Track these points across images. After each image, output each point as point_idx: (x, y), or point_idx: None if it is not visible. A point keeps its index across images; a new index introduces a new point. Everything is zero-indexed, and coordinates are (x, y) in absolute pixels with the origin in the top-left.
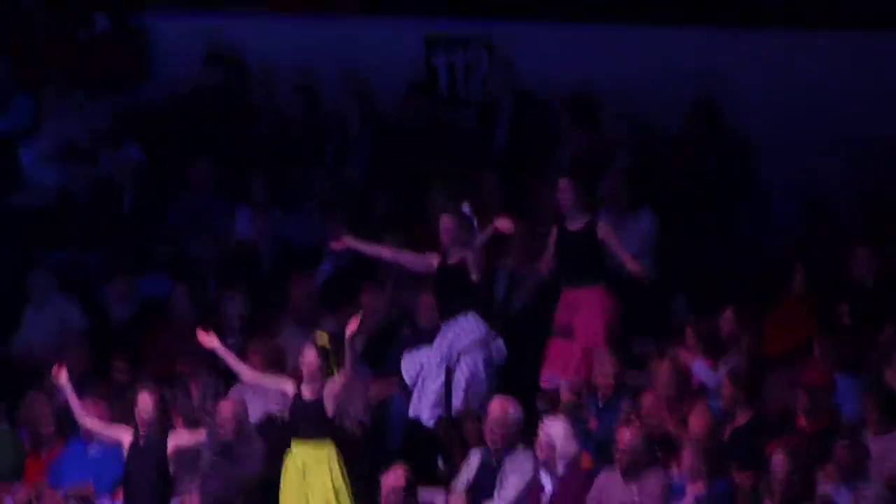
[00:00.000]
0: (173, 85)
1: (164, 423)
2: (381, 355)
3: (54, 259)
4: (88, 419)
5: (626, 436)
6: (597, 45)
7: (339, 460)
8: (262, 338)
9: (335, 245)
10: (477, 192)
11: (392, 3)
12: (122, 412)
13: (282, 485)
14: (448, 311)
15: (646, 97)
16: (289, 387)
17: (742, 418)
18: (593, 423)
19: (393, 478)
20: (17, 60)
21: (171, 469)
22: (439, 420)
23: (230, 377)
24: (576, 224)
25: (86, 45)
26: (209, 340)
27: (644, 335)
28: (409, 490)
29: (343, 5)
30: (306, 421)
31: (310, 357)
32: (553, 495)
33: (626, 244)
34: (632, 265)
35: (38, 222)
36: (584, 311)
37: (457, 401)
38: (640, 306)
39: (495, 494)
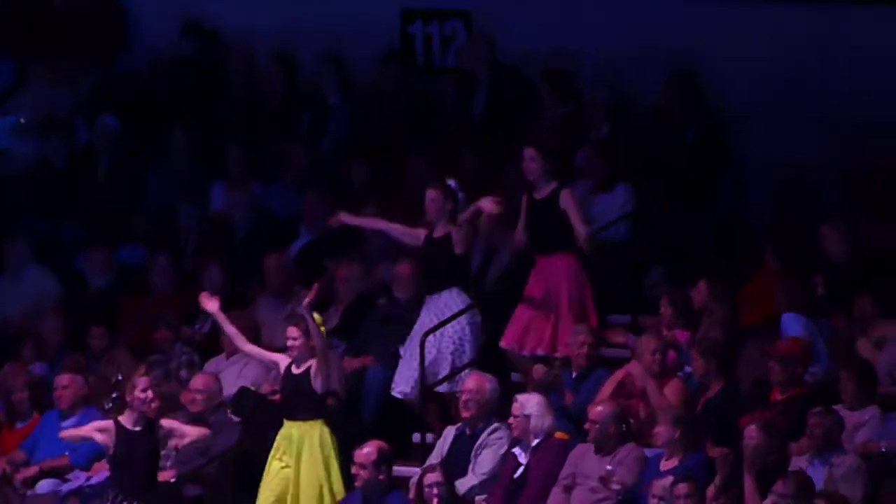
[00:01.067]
0: (151, 55)
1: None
2: (356, 326)
3: (31, 228)
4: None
5: (598, 409)
6: (577, 16)
7: (331, 438)
8: (237, 310)
9: (332, 222)
10: (455, 162)
11: None
12: (98, 382)
13: (270, 461)
14: (433, 283)
15: (625, 69)
16: (282, 360)
17: (714, 389)
18: (568, 397)
19: (366, 452)
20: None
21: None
22: (417, 391)
23: (206, 349)
24: (542, 192)
25: (63, 15)
26: (211, 304)
27: (620, 307)
28: (383, 464)
29: None
30: (296, 399)
31: (293, 333)
32: (527, 469)
33: (601, 216)
34: (579, 232)
35: (14, 191)
36: (554, 278)
37: (442, 371)
38: (615, 279)
39: (469, 468)
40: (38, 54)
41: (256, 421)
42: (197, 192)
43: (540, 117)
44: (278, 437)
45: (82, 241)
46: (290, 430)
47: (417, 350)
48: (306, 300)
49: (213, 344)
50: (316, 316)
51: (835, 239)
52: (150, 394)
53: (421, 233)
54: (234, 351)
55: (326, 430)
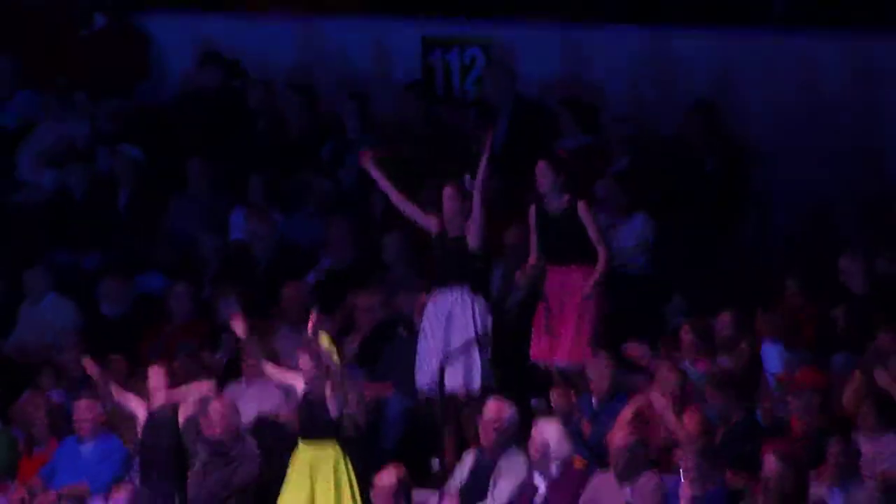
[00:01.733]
0: (172, 85)
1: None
2: (376, 355)
3: (51, 258)
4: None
5: (620, 437)
6: (596, 46)
7: (345, 461)
8: (256, 339)
9: (362, 161)
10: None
11: (390, 3)
12: (118, 409)
13: (285, 484)
14: (443, 277)
15: (647, 98)
16: (300, 384)
17: (733, 420)
18: (586, 427)
19: (385, 477)
20: (20, 57)
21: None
22: (433, 401)
23: (223, 378)
24: (555, 205)
25: (86, 44)
26: (239, 326)
27: (639, 337)
28: (402, 490)
29: (341, 5)
30: (310, 421)
31: (304, 360)
32: (546, 497)
33: (620, 247)
34: (600, 247)
35: (34, 221)
36: (570, 289)
37: (453, 383)
38: (635, 307)
39: (488, 495)
40: (61, 84)
41: (276, 450)
42: (216, 221)
43: (558, 145)
44: (292, 458)
45: (101, 270)
46: (305, 452)
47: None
48: (310, 325)
49: (232, 371)
50: (325, 338)
51: (854, 271)
52: None
53: (433, 221)
54: (254, 377)
55: (340, 452)
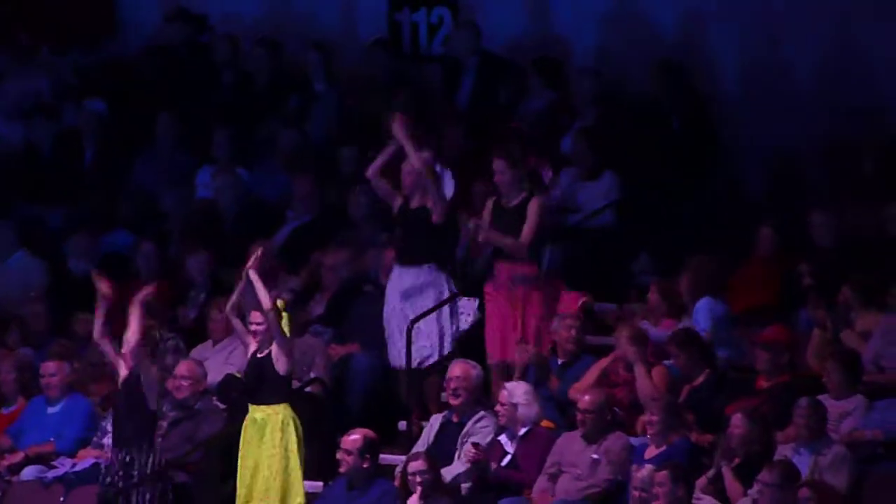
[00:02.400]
0: (139, 40)
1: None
2: (343, 314)
3: (17, 214)
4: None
5: (588, 398)
6: (564, 4)
7: (294, 424)
8: (223, 296)
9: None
10: (441, 148)
11: None
12: (85, 367)
13: (240, 448)
14: (406, 254)
15: (612, 56)
16: (252, 344)
17: (699, 379)
18: (554, 383)
19: (352, 439)
20: None
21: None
22: (401, 372)
23: (191, 335)
24: (512, 201)
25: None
26: (256, 261)
27: (607, 295)
28: (368, 451)
29: None
30: (258, 383)
31: (257, 317)
32: (513, 457)
33: (588, 204)
34: (524, 237)
35: (1, 176)
36: (521, 284)
37: (417, 355)
38: (602, 267)
39: (456, 457)
40: (24, 38)
41: (242, 407)
42: (183, 178)
43: (525, 104)
44: (245, 422)
45: (68, 226)
46: (254, 415)
47: (400, 331)
48: (249, 264)
49: (199, 330)
50: (279, 302)
51: (822, 225)
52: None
53: (396, 197)
54: (221, 338)
55: (290, 415)
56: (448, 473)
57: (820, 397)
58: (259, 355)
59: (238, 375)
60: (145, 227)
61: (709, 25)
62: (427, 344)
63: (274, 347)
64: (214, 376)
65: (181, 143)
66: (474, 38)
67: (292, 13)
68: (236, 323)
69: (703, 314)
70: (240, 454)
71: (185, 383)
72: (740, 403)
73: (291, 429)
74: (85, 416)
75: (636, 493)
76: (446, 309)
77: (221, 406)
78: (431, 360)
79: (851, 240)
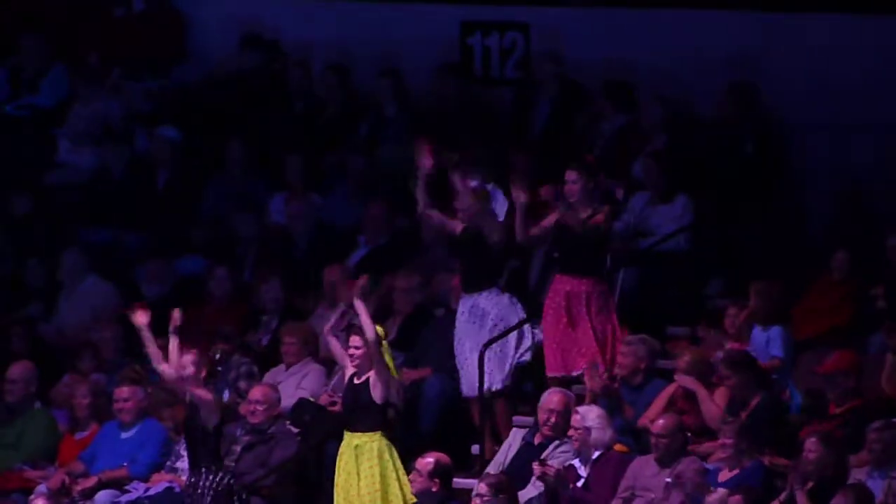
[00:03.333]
0: (210, 66)
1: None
2: (414, 338)
3: (90, 238)
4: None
5: (661, 422)
6: (634, 29)
7: (390, 451)
8: (296, 322)
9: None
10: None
11: None
12: (157, 392)
13: (336, 474)
14: (468, 280)
15: (683, 80)
16: (349, 368)
17: (753, 402)
18: (628, 411)
19: (425, 461)
20: (54, 37)
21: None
22: (474, 399)
23: (263, 360)
24: (580, 214)
25: (124, 24)
26: (356, 289)
27: (679, 319)
28: (437, 475)
29: None
30: (355, 410)
31: (356, 342)
32: (587, 481)
33: (661, 227)
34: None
35: (73, 201)
36: (577, 299)
37: (488, 381)
38: (674, 290)
39: (532, 480)
40: (97, 64)
41: (315, 432)
42: (255, 203)
43: (597, 128)
44: (341, 448)
45: (141, 251)
46: (351, 441)
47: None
48: (355, 292)
49: (272, 355)
50: (379, 329)
51: None
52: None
53: (455, 224)
54: (294, 362)
55: (385, 443)
56: (523, 497)
57: (894, 421)
58: (356, 381)
59: (312, 400)
60: (218, 253)
61: (777, 49)
62: (490, 370)
63: (372, 375)
64: (287, 401)
65: (253, 169)
66: (556, 64)
67: (364, 38)
68: (334, 345)
69: (776, 343)
70: (335, 481)
71: (259, 408)
72: (814, 427)
73: (387, 457)
74: (158, 440)
75: None
76: (512, 335)
77: (294, 430)
78: (496, 387)
79: None
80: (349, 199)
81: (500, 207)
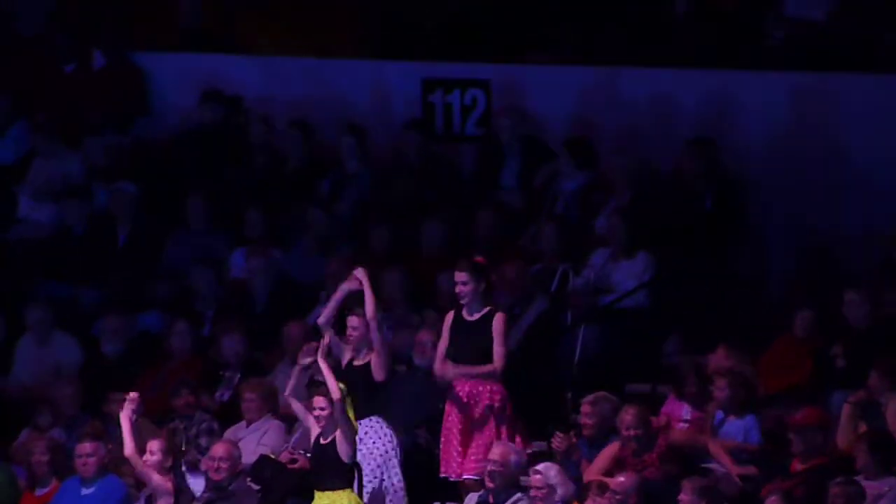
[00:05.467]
0: (170, 121)
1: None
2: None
3: (49, 293)
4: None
5: (621, 480)
6: (595, 86)
7: None
8: (256, 378)
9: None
10: (473, 227)
11: (391, 47)
12: (118, 448)
13: None
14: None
15: (644, 136)
16: (314, 428)
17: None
18: (585, 467)
19: None
20: (12, 94)
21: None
22: None
23: (223, 416)
24: (474, 315)
25: (81, 81)
26: (320, 349)
27: (638, 377)
28: None
29: (340, 50)
30: (323, 469)
31: (320, 402)
32: None
33: (622, 284)
34: (498, 357)
35: (33, 256)
36: (479, 401)
37: None
38: (634, 347)
39: None
40: (56, 120)
41: (275, 489)
42: (215, 258)
43: (558, 185)
44: None
45: (100, 306)
46: (321, 500)
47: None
48: (319, 353)
49: (232, 411)
50: (341, 386)
51: (857, 305)
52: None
53: (346, 351)
54: (254, 418)
55: (355, 499)
56: None
57: (856, 479)
58: (323, 441)
59: (272, 456)
60: (178, 308)
61: (737, 102)
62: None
63: (339, 434)
64: (248, 457)
65: (213, 223)
66: (520, 121)
67: (326, 95)
68: (296, 406)
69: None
70: None
71: (223, 465)
72: (776, 485)
73: None
74: (120, 497)
75: None
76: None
77: (255, 487)
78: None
79: (888, 322)
80: (310, 255)
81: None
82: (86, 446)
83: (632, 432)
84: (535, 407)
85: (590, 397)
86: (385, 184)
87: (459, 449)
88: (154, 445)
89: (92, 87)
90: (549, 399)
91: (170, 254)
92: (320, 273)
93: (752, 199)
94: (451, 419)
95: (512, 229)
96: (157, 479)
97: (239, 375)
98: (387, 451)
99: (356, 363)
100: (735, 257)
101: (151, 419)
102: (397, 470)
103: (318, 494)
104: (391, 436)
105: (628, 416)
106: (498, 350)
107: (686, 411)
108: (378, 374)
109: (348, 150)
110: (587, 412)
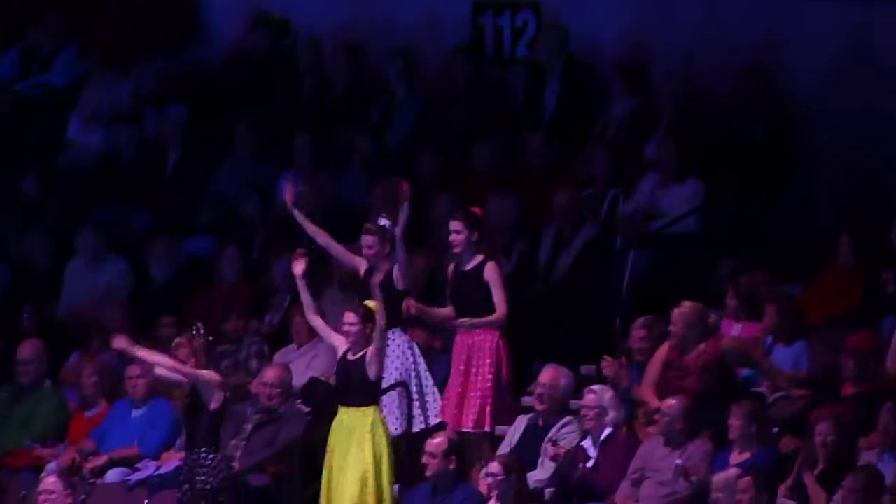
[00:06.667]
0: (220, 45)
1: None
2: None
3: (99, 217)
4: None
5: (672, 402)
6: (648, 9)
7: (382, 428)
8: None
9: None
10: (522, 153)
11: None
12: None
13: (327, 449)
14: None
15: (697, 61)
16: (342, 344)
17: None
18: (636, 392)
19: (437, 442)
20: (66, 18)
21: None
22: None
23: (274, 339)
24: (468, 264)
25: (132, 6)
26: (297, 266)
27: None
28: (453, 454)
29: None
30: (348, 385)
31: (351, 318)
32: (596, 462)
33: (672, 209)
34: (500, 309)
35: (83, 181)
36: (477, 353)
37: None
38: (684, 272)
39: (539, 462)
40: (106, 45)
41: (326, 412)
42: (264, 183)
43: (609, 110)
44: (333, 424)
45: (149, 231)
46: (342, 416)
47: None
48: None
49: (282, 334)
50: (371, 304)
51: None
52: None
53: (361, 265)
54: (304, 342)
55: (379, 418)
56: (532, 478)
57: None
58: (350, 357)
59: (322, 379)
60: (227, 233)
61: (793, 32)
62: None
63: (370, 352)
64: (298, 380)
65: (262, 148)
66: (561, 41)
67: (375, 18)
68: (320, 323)
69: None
70: (326, 455)
71: (274, 390)
72: (825, 410)
73: (381, 432)
74: (169, 419)
75: (717, 497)
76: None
77: (305, 410)
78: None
79: None
80: (358, 180)
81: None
82: (135, 368)
83: (680, 328)
84: (584, 332)
85: (643, 320)
86: (435, 108)
87: (457, 401)
88: (182, 353)
89: (142, 12)
90: (599, 324)
91: (219, 179)
92: (368, 198)
93: (804, 127)
94: (456, 369)
95: (561, 153)
96: (203, 373)
97: (289, 299)
98: (409, 358)
99: (350, 357)
100: (786, 185)
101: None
102: (427, 374)
103: (341, 409)
104: (409, 342)
105: (681, 308)
106: (498, 297)
107: (737, 331)
108: (372, 371)
109: (397, 74)
110: (642, 336)
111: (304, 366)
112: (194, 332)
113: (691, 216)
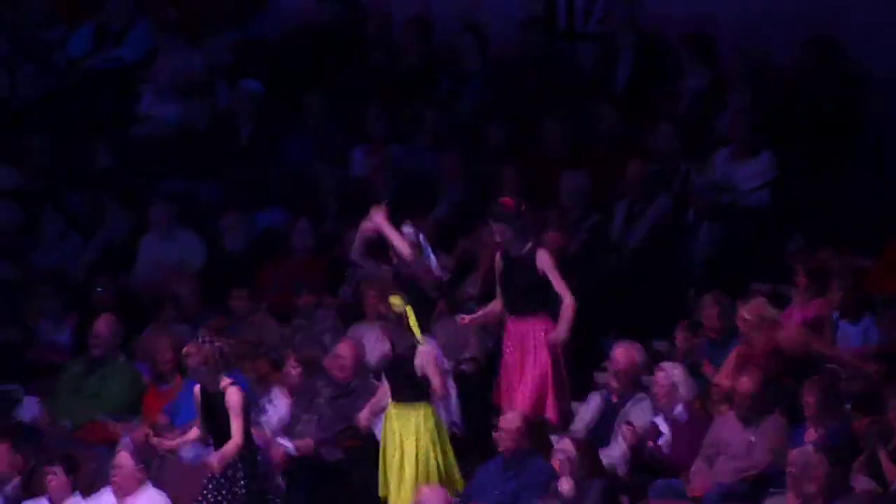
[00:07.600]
0: (290, 19)
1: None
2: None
3: (172, 190)
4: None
5: (745, 379)
6: None
7: (435, 420)
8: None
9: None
10: (593, 125)
11: None
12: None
13: (382, 440)
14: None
15: (764, 33)
16: (388, 343)
17: None
18: (707, 368)
19: (510, 418)
20: None
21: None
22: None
23: (347, 313)
24: (517, 251)
25: None
26: (378, 216)
27: (761, 275)
28: (528, 431)
29: None
30: (398, 382)
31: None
32: (670, 439)
33: (744, 183)
34: (565, 296)
35: (156, 153)
36: (530, 344)
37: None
38: (756, 246)
39: (613, 439)
40: (179, 17)
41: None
42: (335, 155)
43: (680, 83)
44: (384, 421)
45: (222, 203)
46: (392, 411)
47: None
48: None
49: (356, 308)
50: (396, 298)
51: None
52: None
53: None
54: (376, 316)
55: (428, 413)
56: (604, 455)
57: None
58: (398, 355)
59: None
60: (299, 205)
61: (858, 3)
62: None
63: (417, 359)
64: (370, 354)
65: (333, 120)
66: (631, 14)
67: None
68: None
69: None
70: (381, 446)
71: (343, 363)
72: None
73: (433, 425)
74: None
75: (793, 472)
76: None
77: (377, 384)
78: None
79: None
80: (428, 152)
81: (431, 260)
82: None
83: (748, 326)
84: (657, 305)
85: (713, 298)
86: (506, 81)
87: (516, 387)
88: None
89: None
90: (672, 297)
91: (291, 151)
92: (437, 170)
93: (873, 98)
94: (509, 356)
95: (633, 126)
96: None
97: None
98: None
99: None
100: (856, 156)
101: (274, 316)
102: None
103: (391, 405)
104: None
105: (747, 308)
106: (559, 285)
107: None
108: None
109: (468, 48)
110: (713, 314)
111: (376, 339)
112: (202, 341)
113: (764, 189)
